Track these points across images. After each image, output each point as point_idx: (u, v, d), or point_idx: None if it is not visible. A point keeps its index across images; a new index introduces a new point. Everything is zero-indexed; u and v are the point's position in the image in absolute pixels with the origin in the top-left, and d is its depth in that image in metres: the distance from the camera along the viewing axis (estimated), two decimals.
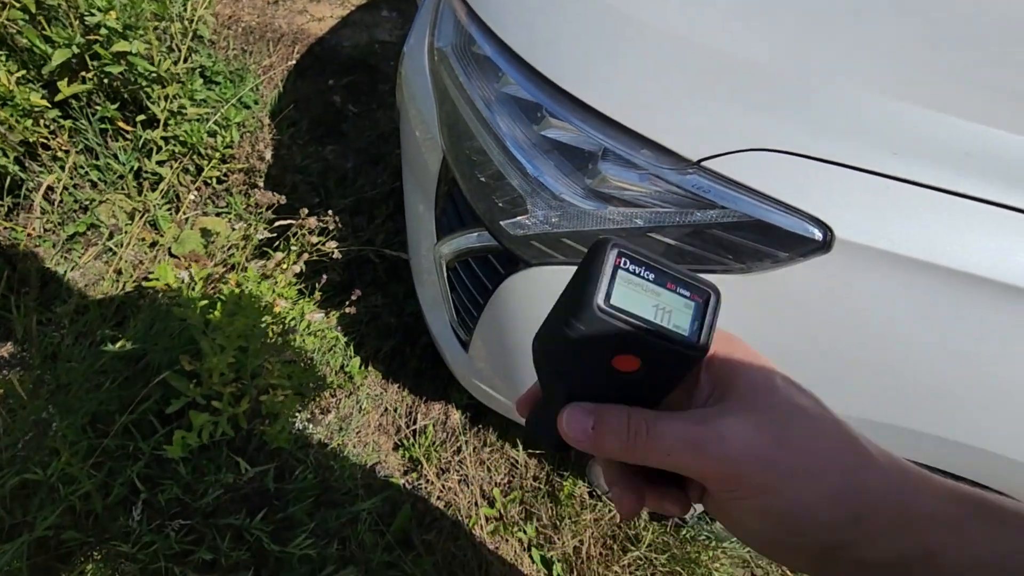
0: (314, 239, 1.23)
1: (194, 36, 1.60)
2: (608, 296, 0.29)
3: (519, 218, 0.77)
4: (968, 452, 0.73)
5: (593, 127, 0.71)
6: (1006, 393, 0.65)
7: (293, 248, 1.24)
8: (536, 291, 0.81)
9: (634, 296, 0.29)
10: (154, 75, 1.33)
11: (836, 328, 0.66)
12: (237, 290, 1.05)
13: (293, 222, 1.30)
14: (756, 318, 0.69)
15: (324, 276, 1.42)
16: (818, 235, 0.62)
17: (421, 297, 1.25)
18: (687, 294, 0.30)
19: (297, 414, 1.39)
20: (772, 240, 0.64)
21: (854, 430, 0.30)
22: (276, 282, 1.15)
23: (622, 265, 0.29)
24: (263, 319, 1.09)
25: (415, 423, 1.55)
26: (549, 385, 0.35)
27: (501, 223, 0.79)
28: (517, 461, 1.52)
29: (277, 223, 1.37)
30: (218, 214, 1.70)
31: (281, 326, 1.13)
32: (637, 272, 0.29)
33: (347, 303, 1.25)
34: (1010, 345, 0.62)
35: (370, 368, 1.60)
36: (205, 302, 1.06)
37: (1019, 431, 0.68)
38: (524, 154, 0.76)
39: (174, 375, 1.14)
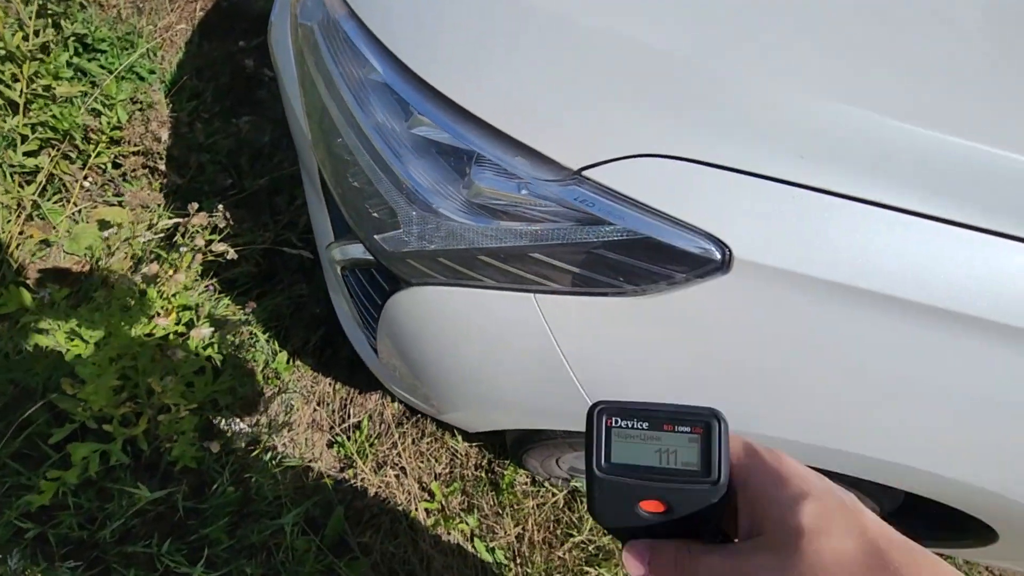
0: (202, 240, 1.10)
1: (58, 1, 1.39)
2: (607, 457, 0.33)
3: (392, 233, 0.67)
4: (883, 466, 0.68)
5: (463, 129, 0.60)
6: (917, 410, 0.60)
7: (181, 251, 1.11)
8: (422, 312, 0.72)
9: (633, 449, 0.32)
10: (2, 52, 1.15)
11: (740, 352, 0.59)
12: (98, 314, 0.94)
13: (180, 220, 1.17)
14: (654, 342, 0.61)
15: (218, 277, 1.30)
16: (716, 254, 0.54)
17: (332, 297, 1.14)
18: (687, 430, 0.32)
19: (224, 421, 1.30)
20: (666, 260, 0.56)
21: (883, 557, 0.29)
22: (162, 292, 1.03)
23: (613, 425, 0.33)
24: (145, 337, 0.98)
25: (350, 417, 1.48)
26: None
27: (375, 237, 0.69)
28: (457, 451, 1.48)
29: (161, 224, 1.23)
30: (120, 203, 1.54)
31: (171, 340, 1.02)
32: (629, 425, 0.33)
33: (243, 309, 1.14)
34: (927, 368, 0.56)
35: (298, 362, 1.51)
36: (74, 323, 0.94)
37: (934, 447, 0.64)
38: (396, 158, 0.65)
39: (61, 397, 1.03)
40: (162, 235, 1.27)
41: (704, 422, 0.32)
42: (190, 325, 0.99)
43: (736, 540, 0.32)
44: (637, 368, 0.65)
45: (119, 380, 1.03)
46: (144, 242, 1.12)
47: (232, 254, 1.10)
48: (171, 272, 1.04)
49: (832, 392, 0.60)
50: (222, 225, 1.20)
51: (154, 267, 0.98)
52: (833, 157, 0.52)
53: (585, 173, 0.55)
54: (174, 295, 1.03)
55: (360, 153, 0.68)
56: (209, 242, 1.11)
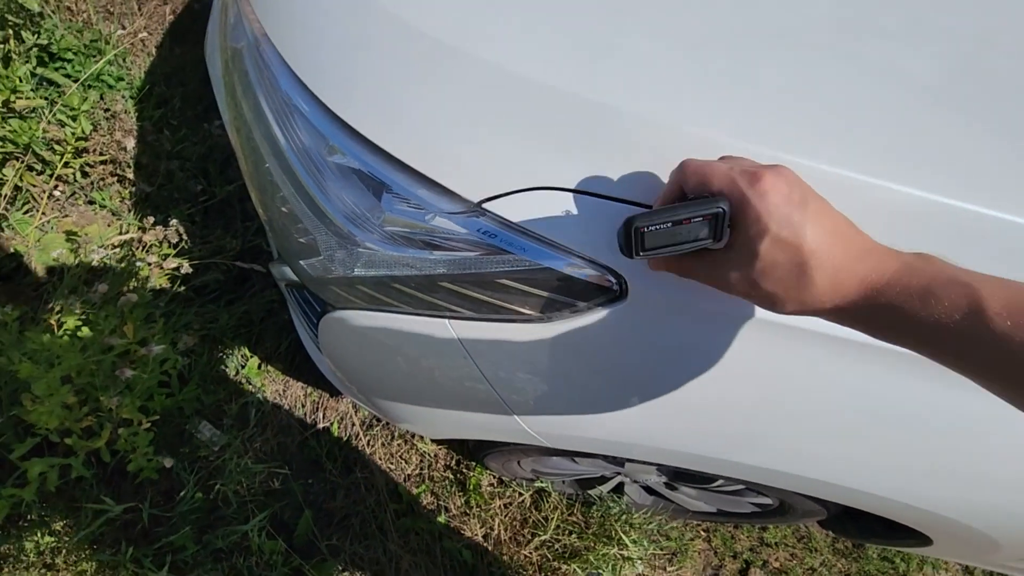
0: (153, 258, 1.12)
1: (20, 11, 1.39)
2: (640, 248, 0.45)
3: (314, 259, 0.68)
4: (787, 478, 0.70)
5: (374, 161, 0.61)
6: (810, 417, 0.61)
7: (137, 267, 1.12)
8: (350, 334, 0.73)
9: (658, 236, 0.44)
10: None
11: (643, 371, 0.61)
12: (47, 336, 0.95)
13: (132, 237, 1.18)
14: (565, 363, 0.63)
15: (186, 285, 1.32)
16: (614, 285, 0.55)
17: (288, 305, 1.16)
18: (699, 219, 0.42)
19: (192, 428, 1.33)
20: (567, 289, 0.57)
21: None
22: (118, 310, 1.05)
23: (646, 229, 0.44)
24: (101, 354, 0.99)
25: (320, 421, 1.51)
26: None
27: (300, 262, 0.70)
28: (426, 453, 1.50)
29: (112, 241, 1.24)
30: (90, 213, 1.56)
31: (130, 355, 1.04)
32: (657, 228, 0.44)
33: (192, 319, 1.15)
34: (807, 379, 0.57)
35: (269, 367, 1.53)
36: (31, 344, 0.96)
37: (832, 458, 0.66)
38: (316, 185, 0.66)
39: (23, 410, 1.05)
40: (118, 250, 1.28)
41: (714, 211, 0.41)
42: (145, 342, 1.01)
43: None
44: (554, 387, 0.66)
45: (79, 395, 1.05)
46: (101, 258, 1.13)
47: (186, 267, 1.11)
48: (127, 288, 1.05)
49: (731, 407, 0.62)
50: (175, 240, 1.21)
51: (103, 287, 1.00)
52: None
53: (485, 205, 0.56)
54: (131, 311, 1.04)
55: (283, 180, 0.69)
56: (165, 257, 1.12)
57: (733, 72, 0.54)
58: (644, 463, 0.94)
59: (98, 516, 1.11)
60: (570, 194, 0.55)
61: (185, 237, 1.26)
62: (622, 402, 0.63)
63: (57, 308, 1.02)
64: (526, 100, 0.54)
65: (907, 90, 0.54)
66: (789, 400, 0.60)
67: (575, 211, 0.55)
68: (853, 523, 1.29)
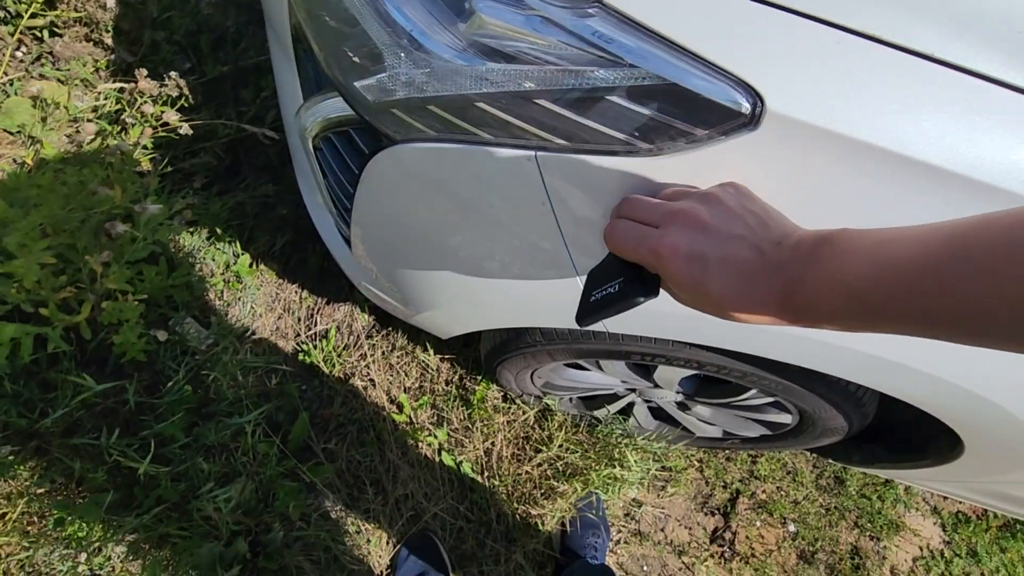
0: (151, 109, 0.98)
1: None
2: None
3: (376, 77, 0.58)
4: (864, 361, 0.67)
5: None
6: None
7: (127, 122, 0.99)
8: (406, 174, 0.64)
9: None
10: None
11: None
12: (24, 176, 0.82)
13: (124, 86, 1.03)
14: None
15: (166, 158, 1.19)
16: (745, 106, 0.48)
17: (301, 184, 1.05)
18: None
19: (180, 320, 1.21)
20: (688, 112, 0.49)
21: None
22: (106, 164, 0.92)
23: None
24: (84, 211, 0.87)
25: (316, 326, 1.42)
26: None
27: (356, 84, 0.60)
28: (428, 365, 1.44)
29: (100, 88, 1.09)
30: (61, 80, 1.38)
31: (112, 217, 0.92)
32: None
33: (189, 193, 1.03)
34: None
35: (262, 266, 1.42)
36: (6, 183, 0.83)
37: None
38: None
39: None
40: (105, 103, 1.13)
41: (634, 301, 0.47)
42: (136, 201, 0.89)
43: None
44: None
45: (57, 260, 0.93)
46: (82, 108, 0.99)
47: (186, 128, 0.99)
48: (115, 143, 0.92)
49: None
50: (175, 95, 1.07)
51: (91, 127, 0.86)
52: (908, 6, 0.46)
53: (607, 1, 0.48)
54: (120, 169, 0.92)
55: None
56: (161, 112, 0.99)
57: None
58: (684, 361, 0.89)
59: (77, 395, 1.01)
60: None
61: (187, 93, 1.12)
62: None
63: (32, 139, 0.88)
64: None
65: None
66: None
67: (710, 11, 0.48)
68: (858, 448, 1.30)
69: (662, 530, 1.56)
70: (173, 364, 1.16)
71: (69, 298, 0.98)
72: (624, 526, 1.52)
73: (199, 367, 1.21)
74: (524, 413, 1.42)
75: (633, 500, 1.54)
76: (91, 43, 1.42)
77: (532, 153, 0.56)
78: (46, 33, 1.35)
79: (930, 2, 0.47)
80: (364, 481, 1.30)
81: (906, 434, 1.14)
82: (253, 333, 1.36)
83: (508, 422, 1.42)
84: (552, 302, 0.74)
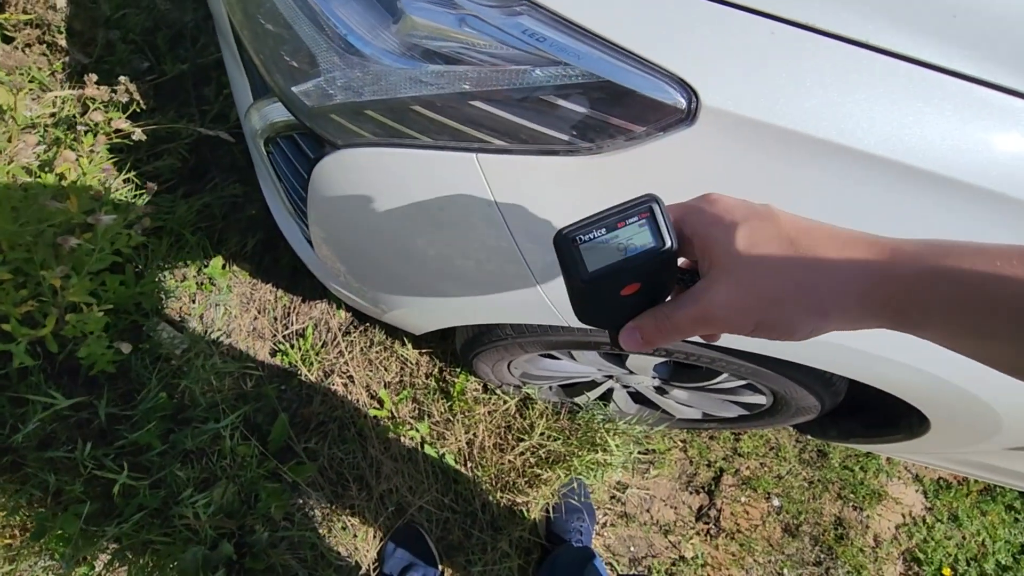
0: (101, 116, 0.96)
1: None
2: (585, 268, 0.38)
3: (312, 82, 0.57)
4: (831, 350, 0.67)
5: None
6: None
7: (79, 130, 0.96)
8: (351, 179, 0.63)
9: (601, 251, 0.37)
10: None
11: None
12: None
13: (72, 93, 1.01)
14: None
15: (127, 162, 1.16)
16: (681, 102, 0.47)
17: (262, 185, 1.04)
18: (635, 219, 0.37)
19: (151, 326, 1.20)
20: (625, 110, 0.49)
21: (794, 243, 0.36)
22: (59, 176, 0.90)
23: (579, 241, 0.37)
24: (40, 226, 0.85)
25: (293, 325, 1.41)
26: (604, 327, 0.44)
27: (293, 89, 0.59)
28: (407, 359, 1.43)
29: (48, 96, 1.06)
30: (17, 88, 1.34)
31: (75, 234, 0.90)
32: (592, 237, 0.37)
33: (147, 198, 1.01)
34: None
35: (235, 267, 1.40)
36: None
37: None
38: None
39: None
40: (59, 109, 1.10)
41: (646, 207, 0.37)
42: (91, 212, 0.87)
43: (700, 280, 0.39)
44: None
45: (15, 275, 0.91)
46: (35, 115, 0.96)
47: (139, 134, 0.96)
48: (69, 153, 0.90)
49: None
50: (125, 101, 1.04)
51: (32, 140, 0.84)
52: None
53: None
54: (74, 181, 0.90)
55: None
56: (110, 120, 0.97)
57: None
58: (651, 350, 0.89)
59: (46, 409, 1.00)
60: None
61: (137, 99, 1.10)
62: None
63: None
64: None
65: None
66: None
67: (642, 6, 0.46)
68: (835, 424, 1.32)
69: (648, 511, 1.58)
70: (147, 372, 1.15)
71: (32, 311, 0.96)
72: (610, 509, 1.54)
73: (173, 373, 1.20)
74: (505, 403, 1.42)
75: (618, 483, 1.56)
76: (44, 45, 1.38)
77: (473, 155, 0.55)
78: None
79: None
80: (347, 478, 1.31)
81: (878, 410, 1.16)
82: (229, 335, 1.35)
83: (489, 412, 1.42)
84: (512, 299, 0.73)
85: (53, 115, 1.25)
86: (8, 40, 1.35)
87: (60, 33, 1.38)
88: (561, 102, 0.49)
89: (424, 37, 0.51)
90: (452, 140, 0.55)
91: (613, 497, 1.55)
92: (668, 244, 0.37)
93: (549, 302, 0.70)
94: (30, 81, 1.34)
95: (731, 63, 0.46)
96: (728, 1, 0.46)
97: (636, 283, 0.39)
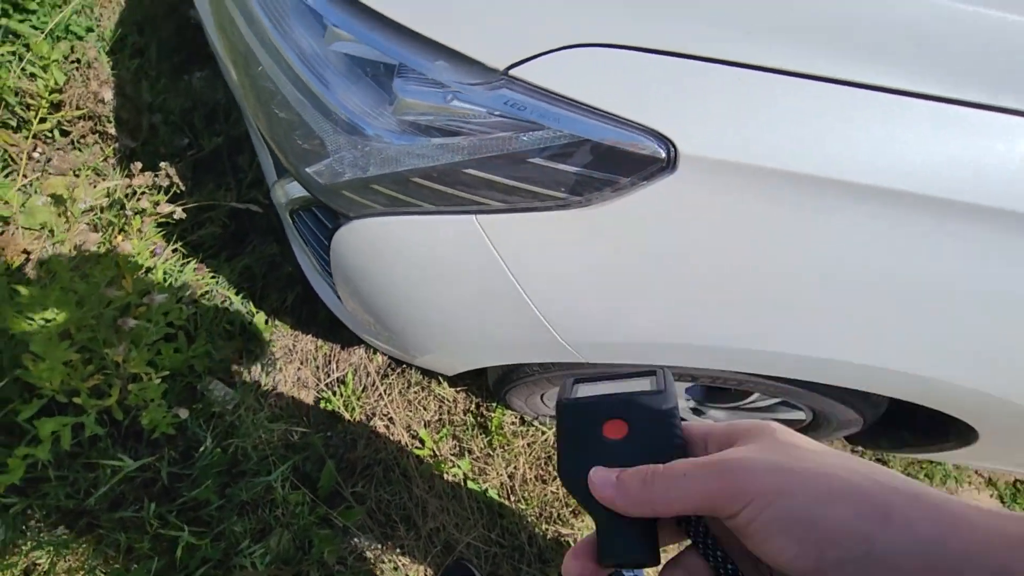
0: (147, 203, 1.05)
1: None
2: (570, 393, 0.35)
3: (323, 163, 0.62)
4: (864, 372, 0.66)
5: (380, 37, 0.54)
6: (897, 310, 0.57)
7: (128, 215, 1.06)
8: (366, 246, 0.68)
9: (594, 387, 0.35)
10: None
11: (697, 257, 0.55)
12: (38, 290, 0.90)
13: (119, 183, 1.11)
14: (605, 253, 0.58)
15: (181, 240, 1.26)
16: (660, 152, 0.50)
17: (293, 247, 1.11)
18: (640, 377, 0.35)
19: (204, 385, 1.29)
20: (607, 164, 0.51)
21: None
22: (114, 260, 0.99)
23: (578, 381, 0.36)
24: (101, 308, 0.94)
25: (334, 373, 1.47)
26: (593, 513, 0.33)
27: (307, 170, 0.64)
28: (445, 397, 1.47)
29: (102, 187, 1.17)
30: (75, 172, 1.48)
31: (131, 310, 0.99)
32: (593, 379, 0.36)
33: (196, 271, 1.09)
34: (906, 262, 0.52)
35: (277, 322, 1.48)
36: (23, 299, 0.90)
37: (918, 348, 0.61)
38: (318, 81, 0.60)
39: (26, 372, 1.01)
40: (107, 201, 1.21)
41: (654, 370, 0.36)
42: (145, 292, 0.96)
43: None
44: (592, 283, 0.62)
45: (81, 352, 1.00)
46: (85, 209, 1.07)
47: (180, 213, 1.05)
48: (120, 238, 0.99)
49: (801, 294, 0.57)
50: (166, 184, 1.14)
51: (94, 236, 0.94)
52: (784, 30, 0.47)
53: (513, 72, 0.50)
54: (127, 260, 0.99)
55: (282, 81, 0.62)
56: (156, 203, 1.06)
57: None
58: (677, 375, 0.90)
59: (115, 473, 1.08)
60: (607, 50, 0.48)
61: (177, 181, 1.20)
62: (667, 294, 0.58)
63: (47, 259, 0.96)
64: None
65: None
66: (896, 285, 0.55)
67: (613, 70, 0.49)
68: (884, 434, 1.27)
69: None
70: (202, 430, 1.22)
71: (99, 383, 1.05)
72: None
73: (227, 429, 1.28)
74: (543, 434, 1.44)
75: None
76: (97, 135, 1.52)
77: (473, 217, 0.58)
78: (56, 133, 1.46)
79: (812, 24, 0.47)
80: (395, 519, 1.34)
81: (926, 419, 1.11)
82: (275, 387, 1.42)
83: (528, 444, 1.44)
84: (528, 341, 0.76)
85: (107, 196, 1.37)
86: (65, 133, 1.49)
87: (109, 122, 1.52)
88: (548, 163, 0.53)
89: (419, 114, 0.56)
90: (453, 205, 0.58)
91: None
92: (666, 391, 0.33)
93: (563, 342, 0.72)
94: (86, 168, 1.48)
95: (704, 111, 0.49)
96: (693, 55, 0.48)
97: (623, 422, 0.33)
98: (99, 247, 1.00)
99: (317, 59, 0.60)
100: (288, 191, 0.76)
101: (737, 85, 0.48)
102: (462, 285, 0.67)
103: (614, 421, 0.33)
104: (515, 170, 0.54)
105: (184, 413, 1.01)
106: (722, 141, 0.48)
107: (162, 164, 1.16)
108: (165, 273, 1.17)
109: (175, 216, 1.06)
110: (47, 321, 0.89)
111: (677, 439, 0.32)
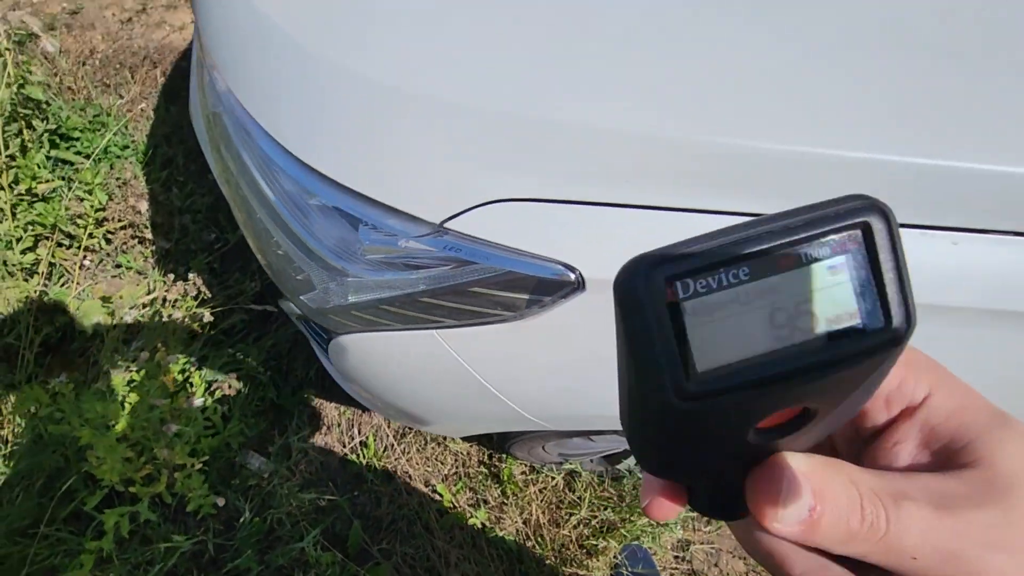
0: (182, 312, 1.22)
1: (27, 102, 1.51)
2: (687, 368, 0.16)
3: (313, 293, 0.75)
4: None
5: (346, 200, 0.67)
6: None
7: (165, 322, 1.22)
8: (354, 355, 0.81)
9: (731, 330, 0.16)
10: None
11: (607, 350, 0.66)
12: (99, 404, 1.06)
13: (157, 296, 1.28)
14: (547, 354, 0.69)
15: (215, 329, 1.42)
16: (571, 277, 0.61)
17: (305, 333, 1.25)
18: (826, 252, 0.16)
19: (240, 460, 1.43)
20: (531, 288, 0.63)
21: None
22: (159, 366, 1.15)
23: (682, 296, 0.16)
24: (148, 412, 1.10)
25: (357, 436, 1.60)
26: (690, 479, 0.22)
27: (301, 298, 0.78)
28: (459, 452, 1.58)
29: (141, 300, 1.35)
30: (118, 276, 1.68)
31: (177, 406, 1.15)
32: (712, 286, 0.16)
33: (227, 382, 1.25)
34: None
35: (303, 394, 1.63)
36: (88, 412, 1.07)
37: None
38: (302, 227, 0.73)
39: (91, 466, 1.17)
40: (148, 309, 1.39)
41: (855, 226, 0.16)
42: (186, 397, 1.12)
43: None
44: (540, 375, 0.73)
45: (134, 447, 1.16)
46: (134, 317, 1.24)
47: (208, 316, 1.21)
48: (162, 347, 1.16)
49: None
50: (195, 293, 1.31)
51: (144, 355, 1.10)
52: (663, 175, 0.58)
53: (447, 225, 0.63)
54: (168, 367, 1.15)
55: (273, 226, 0.76)
56: (190, 310, 1.23)
57: (658, 69, 0.59)
58: None
59: (170, 552, 1.22)
60: (521, 202, 0.60)
61: (203, 288, 1.36)
62: (600, 380, 0.69)
63: (104, 370, 1.13)
64: (467, 124, 0.60)
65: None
66: None
67: (528, 218, 0.61)
68: None
69: (716, 565, 1.59)
70: (241, 502, 1.36)
71: (151, 472, 1.21)
72: (676, 568, 1.57)
73: (263, 499, 1.41)
74: (552, 479, 1.52)
75: (680, 541, 1.59)
76: (136, 240, 1.72)
77: (434, 331, 0.70)
78: (102, 243, 1.66)
79: (678, 168, 0.58)
80: (420, 572, 1.44)
81: None
82: (306, 454, 1.56)
83: (540, 491, 1.53)
84: (507, 418, 0.87)
85: (148, 294, 1.55)
86: (109, 242, 1.70)
87: (146, 228, 1.72)
88: (486, 290, 0.64)
89: (383, 256, 0.69)
90: (416, 323, 0.71)
91: (677, 556, 1.58)
92: (899, 323, 0.16)
93: (534, 419, 0.83)
94: (128, 269, 1.67)
95: (602, 243, 0.60)
96: (590, 201, 0.60)
97: (794, 411, 0.19)
98: (146, 357, 1.16)
99: (300, 208, 0.74)
100: (291, 308, 0.90)
101: (627, 220, 0.59)
102: (439, 384, 0.79)
103: (785, 410, 0.18)
104: (461, 298, 0.66)
105: (221, 501, 1.15)
106: (618, 264, 0.59)
107: (191, 275, 1.33)
108: (203, 372, 1.33)
109: (204, 319, 1.22)
110: (108, 428, 1.05)
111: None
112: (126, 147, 1.82)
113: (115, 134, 1.79)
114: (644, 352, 0.17)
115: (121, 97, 2.01)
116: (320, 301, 0.75)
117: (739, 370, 0.16)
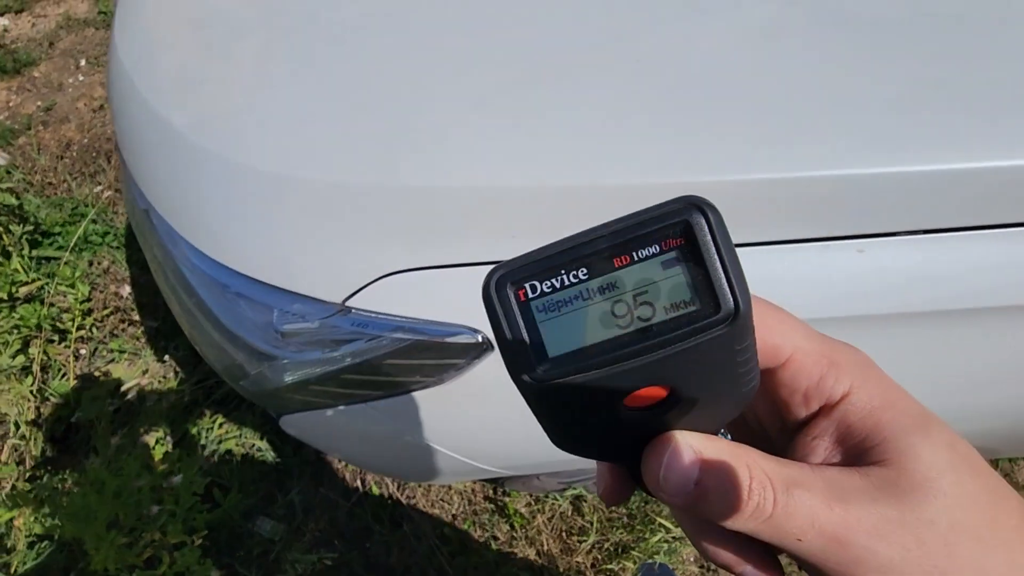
0: (172, 387, 1.23)
1: (3, 209, 1.56)
2: (539, 354, 0.18)
3: (249, 379, 0.75)
4: None
5: (254, 289, 0.67)
6: None
7: (149, 408, 1.24)
8: (308, 435, 0.81)
9: (576, 322, 0.18)
10: None
11: None
12: (83, 496, 1.07)
13: (150, 374, 1.31)
14: (476, 411, 0.68)
15: (195, 401, 1.43)
16: (478, 338, 0.59)
17: None
18: (654, 251, 0.18)
19: (246, 526, 1.44)
20: (445, 353, 0.61)
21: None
22: (147, 448, 1.17)
23: (531, 296, 0.19)
24: (135, 497, 1.11)
25: (360, 488, 1.60)
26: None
27: (240, 383, 0.78)
28: (464, 490, 1.56)
29: (136, 381, 1.37)
30: (113, 360, 1.72)
31: (149, 491, 1.16)
32: (555, 286, 0.18)
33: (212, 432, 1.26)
34: None
35: (302, 452, 1.63)
36: (72, 507, 1.09)
37: None
38: (230, 316, 0.74)
39: (90, 559, 1.18)
40: (139, 389, 1.42)
41: (676, 225, 0.18)
42: (169, 475, 1.13)
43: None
44: (479, 432, 0.71)
45: (131, 533, 1.17)
46: (130, 397, 1.26)
47: (188, 396, 1.22)
48: (145, 432, 1.17)
49: None
50: (189, 367, 1.33)
51: (116, 440, 1.12)
52: (541, 226, 0.57)
53: (349, 303, 0.62)
54: (154, 447, 1.16)
55: (202, 317, 0.76)
56: (182, 384, 1.24)
57: (543, 121, 0.57)
58: None
59: None
60: (418, 271, 0.59)
61: (179, 370, 1.38)
62: (530, 429, 0.67)
63: (89, 470, 1.15)
64: (350, 202, 0.59)
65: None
66: None
67: (428, 284, 0.60)
68: None
69: None
70: (247, 571, 1.37)
71: (152, 553, 1.22)
72: None
73: (278, 558, 1.42)
74: (559, 506, 1.50)
75: None
76: (126, 323, 1.76)
77: (364, 405, 0.70)
78: (94, 331, 1.71)
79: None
80: None
81: None
82: (311, 511, 1.56)
83: (547, 520, 1.50)
84: (470, 470, 0.85)
85: (143, 374, 1.58)
86: (99, 328, 1.74)
87: (133, 310, 1.76)
88: (401, 360, 0.63)
89: (306, 336, 0.68)
90: (345, 398, 0.70)
91: (702, 567, 1.54)
92: (729, 307, 0.18)
93: (489, 468, 0.81)
94: (122, 353, 1.71)
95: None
96: (482, 262, 0.58)
97: (659, 385, 0.20)
98: (127, 439, 1.17)
99: (224, 299, 0.74)
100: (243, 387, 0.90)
101: None
102: (391, 450, 0.78)
103: (647, 388, 0.20)
104: (379, 370, 0.65)
105: (217, 575, 1.16)
106: None
107: (166, 357, 1.35)
108: (183, 450, 1.34)
109: (185, 398, 1.24)
110: (90, 518, 1.07)
111: (746, 376, 0.20)
112: (106, 233, 1.87)
113: (94, 221, 1.84)
114: (504, 344, 0.19)
115: (99, 184, 2.06)
116: (256, 385, 0.75)
117: (586, 354, 0.19)
